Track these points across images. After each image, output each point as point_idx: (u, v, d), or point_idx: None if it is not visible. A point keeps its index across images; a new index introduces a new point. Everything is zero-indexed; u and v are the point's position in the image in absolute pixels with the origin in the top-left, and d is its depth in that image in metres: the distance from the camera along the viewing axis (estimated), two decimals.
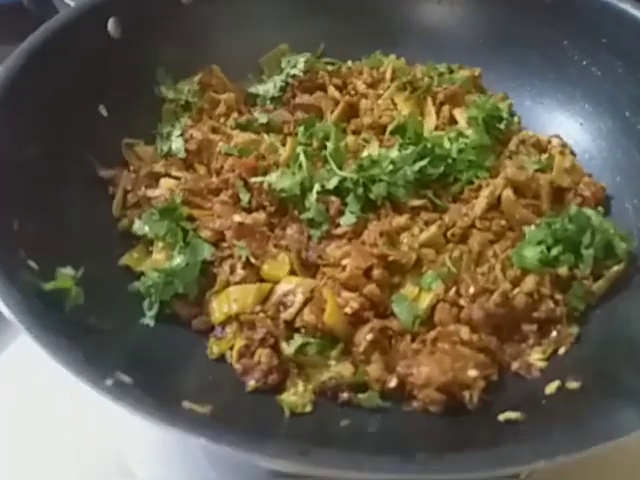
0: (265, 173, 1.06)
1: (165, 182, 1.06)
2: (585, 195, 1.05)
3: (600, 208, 1.05)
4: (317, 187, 1.01)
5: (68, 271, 0.77)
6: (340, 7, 1.35)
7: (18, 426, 0.98)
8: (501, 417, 0.75)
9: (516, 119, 1.23)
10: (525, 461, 0.55)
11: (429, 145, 1.04)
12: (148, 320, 0.89)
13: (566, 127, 1.19)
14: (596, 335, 0.88)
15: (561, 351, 0.88)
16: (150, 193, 1.03)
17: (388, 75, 1.27)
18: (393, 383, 0.83)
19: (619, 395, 0.69)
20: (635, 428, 0.58)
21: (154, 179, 1.07)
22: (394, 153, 1.04)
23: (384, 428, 0.79)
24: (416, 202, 1.02)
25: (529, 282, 0.90)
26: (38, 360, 0.65)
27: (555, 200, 1.06)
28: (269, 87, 1.24)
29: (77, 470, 0.95)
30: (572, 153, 1.16)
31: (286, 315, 0.89)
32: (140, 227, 0.97)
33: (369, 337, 0.85)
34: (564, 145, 1.15)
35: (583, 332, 0.90)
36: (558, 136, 1.18)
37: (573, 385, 0.78)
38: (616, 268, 0.92)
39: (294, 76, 1.24)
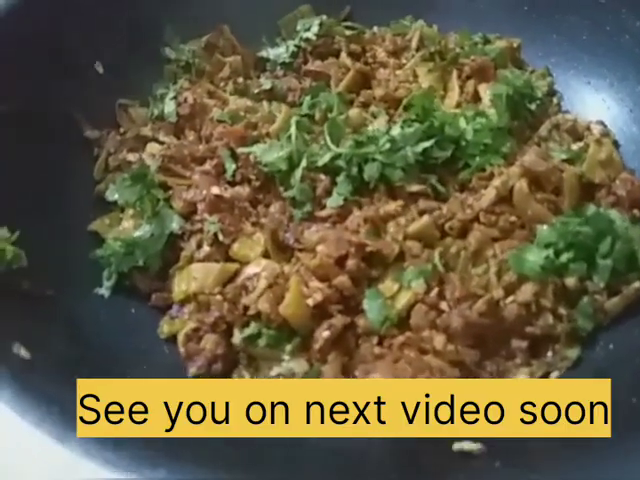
0: (256, 143, 0.98)
1: (151, 147, 1.02)
2: (619, 194, 0.89)
3: (636, 211, 0.89)
4: (304, 163, 0.92)
5: (2, 232, 0.74)
6: None
7: None
8: (456, 446, 0.64)
9: (555, 100, 1.08)
10: None
11: (437, 123, 0.92)
12: (104, 290, 0.86)
13: (614, 112, 1.03)
14: (598, 363, 0.74)
15: (553, 376, 0.75)
16: (131, 157, 0.98)
17: (414, 43, 1.15)
18: None
19: (585, 446, 0.56)
20: None
21: (142, 143, 1.03)
22: (396, 130, 0.93)
23: (324, 440, 0.70)
24: (415, 187, 0.90)
25: (526, 291, 0.78)
26: None
27: (584, 197, 0.91)
28: (281, 51, 1.16)
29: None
30: (615, 144, 0.99)
31: (247, 300, 0.82)
32: (111, 193, 0.93)
33: (325, 334, 0.77)
34: (606, 133, 0.99)
35: (585, 357, 0.76)
36: (602, 122, 1.01)
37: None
38: (637, 284, 0.77)
39: (307, 40, 1.14)
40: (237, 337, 0.79)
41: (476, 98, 1.05)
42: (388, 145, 0.90)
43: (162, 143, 1.01)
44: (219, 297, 0.82)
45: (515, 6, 1.16)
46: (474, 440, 0.64)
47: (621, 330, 0.77)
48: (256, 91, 1.09)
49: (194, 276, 0.85)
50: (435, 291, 0.80)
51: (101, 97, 1.05)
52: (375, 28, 1.23)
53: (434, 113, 0.94)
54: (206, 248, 0.87)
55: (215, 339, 0.79)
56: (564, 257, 0.78)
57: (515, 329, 0.77)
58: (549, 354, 0.77)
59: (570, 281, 0.78)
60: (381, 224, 0.87)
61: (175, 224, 0.89)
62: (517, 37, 1.15)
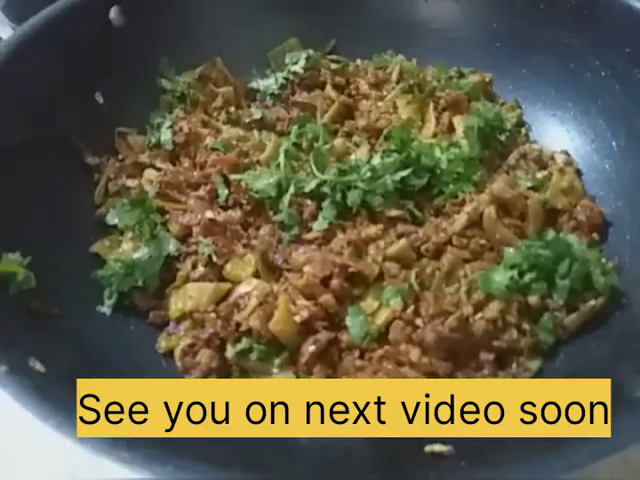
0: (247, 170, 1.06)
1: (148, 173, 1.09)
2: (580, 219, 0.99)
3: (595, 235, 0.98)
4: (292, 189, 1.01)
5: (16, 257, 0.81)
6: (354, 2, 1.33)
7: None
8: (427, 448, 0.72)
9: (524, 131, 1.18)
10: None
11: (414, 154, 1.01)
12: (105, 309, 0.92)
13: (577, 143, 1.12)
14: (558, 374, 0.83)
15: None
16: (129, 183, 1.06)
17: (394, 76, 1.24)
18: None
19: (536, 444, 0.64)
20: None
21: (139, 169, 1.10)
22: (376, 160, 1.02)
23: (313, 443, 0.78)
24: (394, 212, 0.99)
25: (492, 308, 0.86)
26: None
27: (548, 222, 1.00)
28: (270, 83, 1.24)
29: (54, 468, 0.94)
30: (578, 172, 1.09)
31: (239, 317, 0.90)
32: (112, 217, 1.00)
33: (311, 348, 0.84)
34: (569, 162, 1.08)
35: (546, 368, 0.85)
36: (566, 152, 1.11)
37: None
38: (592, 302, 0.86)
39: (295, 73, 1.23)
40: (230, 352, 0.87)
41: (451, 129, 1.15)
42: (369, 173, 0.99)
43: (159, 169, 1.09)
44: (213, 315, 0.90)
45: (488, 42, 1.26)
46: (444, 442, 0.72)
47: (579, 344, 0.86)
48: (247, 120, 1.18)
49: (190, 295, 0.92)
50: (411, 308, 0.88)
51: (101, 125, 1.13)
52: (358, 61, 1.32)
53: (411, 144, 1.03)
54: (201, 269, 0.95)
55: (210, 353, 0.86)
56: (527, 277, 0.87)
57: (483, 343, 0.85)
58: (514, 365, 0.85)
59: (532, 299, 0.87)
60: (362, 246, 0.95)
61: (172, 246, 0.97)
62: (490, 71, 1.25)
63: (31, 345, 0.71)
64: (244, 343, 0.87)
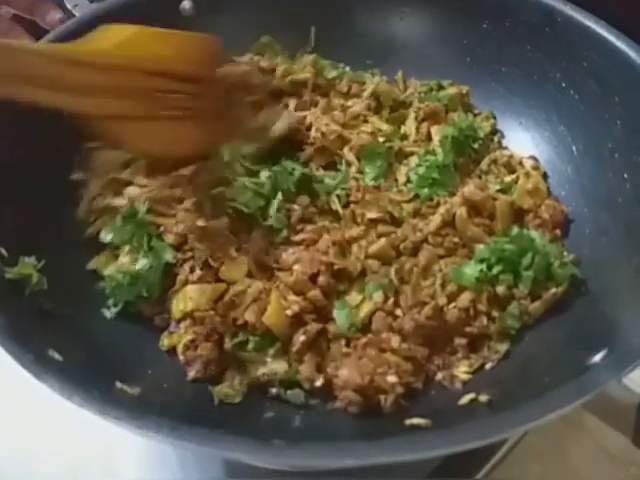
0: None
1: (129, 191, 1.14)
2: (544, 217, 1.11)
3: (558, 231, 1.10)
4: (280, 196, 1.12)
5: (31, 260, 0.92)
6: (337, 22, 1.45)
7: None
8: (407, 422, 0.83)
9: (496, 138, 1.30)
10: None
11: None
12: (111, 315, 1.02)
13: (542, 148, 1.25)
14: (523, 355, 0.94)
15: (487, 366, 0.95)
16: (116, 202, 1.13)
17: (366, 93, 1.33)
18: (319, 382, 0.93)
19: (500, 410, 0.76)
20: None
21: (121, 185, 1.15)
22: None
23: (305, 423, 0.89)
24: (374, 214, 1.11)
25: (464, 298, 0.98)
26: None
27: (515, 221, 1.12)
28: None
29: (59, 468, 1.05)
30: (544, 175, 1.21)
31: (235, 313, 1.00)
32: (105, 234, 1.08)
33: (301, 339, 0.95)
34: (536, 167, 1.21)
35: (513, 350, 0.96)
36: (533, 157, 1.23)
37: (483, 398, 0.86)
38: (553, 290, 0.98)
39: None
40: (228, 344, 0.97)
41: (429, 138, 1.27)
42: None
43: (141, 186, 1.14)
44: (212, 312, 1.00)
45: (460, 57, 1.38)
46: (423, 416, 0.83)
47: (542, 328, 0.97)
48: None
49: (190, 296, 1.02)
50: (391, 300, 0.99)
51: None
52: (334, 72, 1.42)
53: None
54: (199, 272, 1.05)
55: (210, 347, 0.97)
56: (495, 270, 0.99)
57: (456, 329, 0.97)
58: (485, 349, 0.97)
59: (500, 289, 0.98)
60: (346, 246, 1.06)
61: (169, 255, 1.05)
62: (464, 83, 1.37)
63: (48, 339, 0.81)
64: (241, 336, 0.98)
